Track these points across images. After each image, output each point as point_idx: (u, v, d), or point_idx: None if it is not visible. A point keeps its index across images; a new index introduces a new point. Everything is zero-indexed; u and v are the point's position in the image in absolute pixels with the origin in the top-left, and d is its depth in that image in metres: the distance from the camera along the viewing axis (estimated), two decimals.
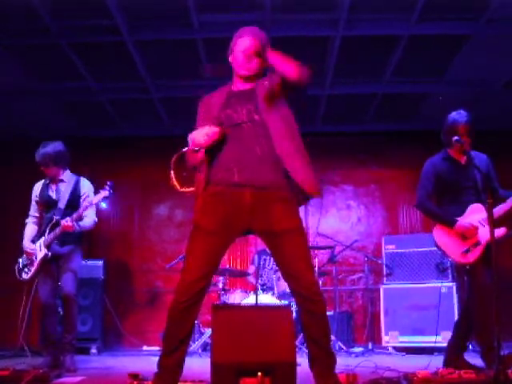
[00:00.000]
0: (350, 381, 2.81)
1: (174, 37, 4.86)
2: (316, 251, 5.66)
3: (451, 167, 3.61)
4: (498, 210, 3.43)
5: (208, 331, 5.39)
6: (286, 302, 5.12)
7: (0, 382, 2.97)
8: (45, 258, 4.08)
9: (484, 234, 3.40)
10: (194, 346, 5.29)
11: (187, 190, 2.62)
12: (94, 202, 4.08)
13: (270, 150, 2.54)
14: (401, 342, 5.62)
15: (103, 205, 4.14)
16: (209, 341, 5.20)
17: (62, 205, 4.18)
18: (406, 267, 5.87)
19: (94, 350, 5.87)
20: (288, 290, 2.88)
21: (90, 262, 6.02)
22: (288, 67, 2.52)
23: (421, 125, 6.62)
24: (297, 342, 4.53)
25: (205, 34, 4.79)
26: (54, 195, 4.25)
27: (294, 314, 3.37)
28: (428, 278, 5.69)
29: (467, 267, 3.47)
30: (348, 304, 6.75)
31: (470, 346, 4.72)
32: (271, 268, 5.76)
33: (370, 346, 5.73)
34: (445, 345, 3.75)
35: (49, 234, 4.09)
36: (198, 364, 3.69)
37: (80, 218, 4.09)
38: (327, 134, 6.99)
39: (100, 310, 6.06)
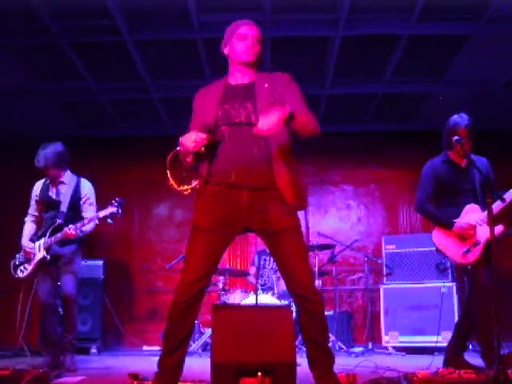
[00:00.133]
0: (350, 381, 2.81)
1: (174, 37, 4.86)
2: (316, 251, 5.65)
3: (451, 170, 3.63)
4: (495, 208, 3.44)
5: (208, 331, 5.39)
6: (286, 302, 5.12)
7: (0, 382, 2.97)
8: (43, 261, 4.08)
9: (482, 233, 3.43)
10: (194, 345, 5.29)
11: (185, 188, 2.62)
12: (100, 216, 4.03)
13: (268, 150, 2.53)
14: (401, 342, 5.62)
15: (109, 221, 4.07)
16: (209, 341, 5.20)
17: (64, 208, 4.16)
18: (406, 267, 5.87)
19: (94, 350, 5.87)
20: None
21: (89, 262, 6.02)
22: (309, 131, 2.60)
23: (421, 125, 6.62)
24: (297, 342, 4.53)
25: (205, 34, 4.79)
26: (54, 196, 4.24)
27: (294, 314, 3.36)
28: (428, 278, 5.69)
29: (468, 267, 3.48)
30: (348, 304, 6.75)
31: (470, 346, 4.72)
32: (271, 268, 5.76)
33: (370, 345, 5.73)
34: (445, 345, 3.76)
35: (49, 237, 4.07)
36: (197, 364, 3.69)
37: (83, 226, 4.07)
38: (327, 134, 6.92)
39: (100, 310, 6.06)
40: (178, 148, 2.62)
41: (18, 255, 4.25)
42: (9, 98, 5.97)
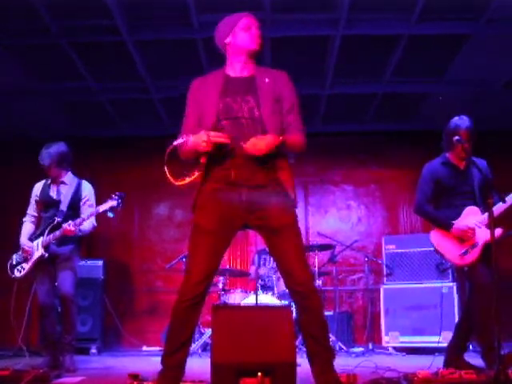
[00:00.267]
0: (350, 381, 2.81)
1: (174, 37, 4.86)
2: (316, 251, 5.64)
3: (450, 172, 3.64)
4: (496, 210, 3.44)
5: (208, 331, 5.38)
6: (286, 302, 5.12)
7: (0, 382, 2.96)
8: (41, 259, 4.07)
9: (481, 235, 3.44)
10: (194, 346, 5.28)
11: (181, 182, 2.61)
12: (100, 210, 4.02)
13: None
14: (401, 342, 5.62)
15: (110, 214, 4.06)
16: (209, 341, 5.19)
17: (63, 207, 4.16)
18: (406, 267, 5.86)
19: (93, 350, 5.87)
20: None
21: (89, 262, 6.02)
22: (295, 151, 2.65)
23: (421, 125, 6.62)
24: (297, 342, 4.53)
25: (205, 34, 4.78)
26: (54, 195, 4.24)
27: (294, 314, 3.36)
28: (428, 278, 5.69)
29: (466, 269, 3.49)
30: (348, 304, 6.75)
31: (471, 347, 4.72)
32: (271, 268, 5.76)
33: (370, 346, 5.73)
34: (445, 345, 3.76)
35: (48, 235, 4.07)
36: (198, 364, 3.68)
37: (82, 221, 4.07)
38: (327, 134, 6.99)
39: (100, 310, 6.06)
40: (177, 142, 2.60)
41: (14, 255, 4.24)
42: (9, 98, 5.97)
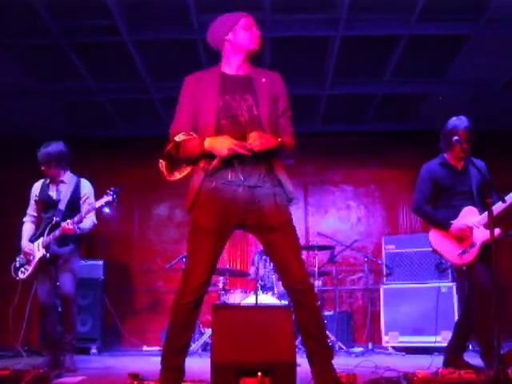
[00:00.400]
0: (349, 381, 2.81)
1: (174, 37, 4.86)
2: (316, 251, 5.65)
3: (448, 173, 3.65)
4: (495, 210, 3.44)
5: (208, 331, 5.38)
6: (286, 302, 5.12)
7: (0, 382, 2.97)
8: (42, 259, 4.08)
9: (479, 235, 3.45)
10: (194, 346, 5.28)
11: (173, 178, 2.61)
12: (96, 206, 4.01)
13: None
14: (401, 342, 5.62)
15: (106, 210, 4.07)
16: (209, 341, 5.20)
17: (62, 206, 4.16)
18: (405, 267, 5.87)
19: (94, 350, 5.87)
20: None
21: (89, 262, 6.03)
22: (288, 153, 2.68)
23: (421, 125, 6.62)
24: (297, 342, 4.53)
25: (205, 34, 4.71)
26: (54, 195, 4.24)
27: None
28: (428, 278, 5.69)
29: (464, 268, 3.49)
30: (348, 304, 6.75)
31: (470, 346, 4.72)
32: (271, 268, 5.76)
33: (369, 346, 5.74)
34: (445, 345, 3.76)
35: (48, 235, 4.08)
36: (198, 364, 3.69)
37: (81, 221, 4.07)
38: (327, 134, 6.99)
39: (100, 310, 6.06)
40: (180, 138, 2.58)
41: (18, 258, 4.25)
42: (9, 98, 5.97)
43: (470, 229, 3.46)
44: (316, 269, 5.53)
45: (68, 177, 4.30)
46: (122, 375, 3.14)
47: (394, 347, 5.64)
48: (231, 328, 2.56)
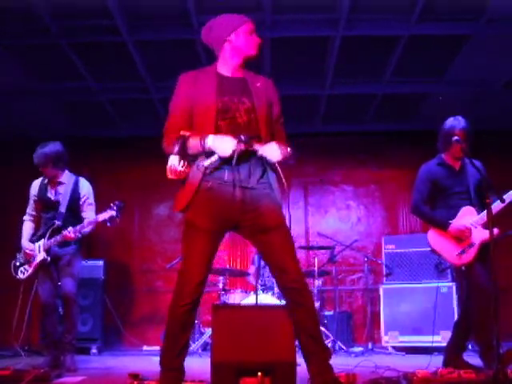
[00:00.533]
0: (349, 381, 2.81)
1: (173, 37, 4.87)
2: (316, 251, 5.65)
3: (446, 173, 3.66)
4: (494, 209, 3.44)
5: (208, 331, 5.39)
6: None
7: (1, 382, 2.97)
8: (43, 262, 4.08)
9: (477, 235, 3.46)
10: (194, 345, 5.29)
11: (173, 177, 2.60)
12: (99, 219, 3.99)
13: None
14: (400, 342, 5.62)
15: (108, 224, 4.05)
16: (209, 341, 5.20)
17: (62, 209, 4.14)
18: (405, 267, 5.87)
19: (94, 350, 5.88)
20: None
21: (90, 262, 6.03)
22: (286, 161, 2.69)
23: (421, 125, 6.62)
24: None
25: None
26: (52, 197, 4.22)
27: None
28: (427, 278, 5.70)
29: (463, 268, 3.50)
30: (348, 304, 6.75)
31: (470, 346, 4.73)
32: None
33: (369, 345, 5.74)
34: (444, 344, 3.76)
35: (49, 238, 4.06)
36: (197, 364, 3.69)
37: (82, 229, 4.05)
38: (327, 134, 7.00)
39: (100, 310, 6.06)
40: (187, 135, 2.56)
41: (18, 255, 4.24)
42: (9, 98, 5.97)
43: (469, 229, 3.47)
44: (316, 269, 5.54)
45: (66, 177, 4.27)
46: (123, 375, 3.14)
47: (393, 347, 5.64)
48: (231, 328, 2.56)
